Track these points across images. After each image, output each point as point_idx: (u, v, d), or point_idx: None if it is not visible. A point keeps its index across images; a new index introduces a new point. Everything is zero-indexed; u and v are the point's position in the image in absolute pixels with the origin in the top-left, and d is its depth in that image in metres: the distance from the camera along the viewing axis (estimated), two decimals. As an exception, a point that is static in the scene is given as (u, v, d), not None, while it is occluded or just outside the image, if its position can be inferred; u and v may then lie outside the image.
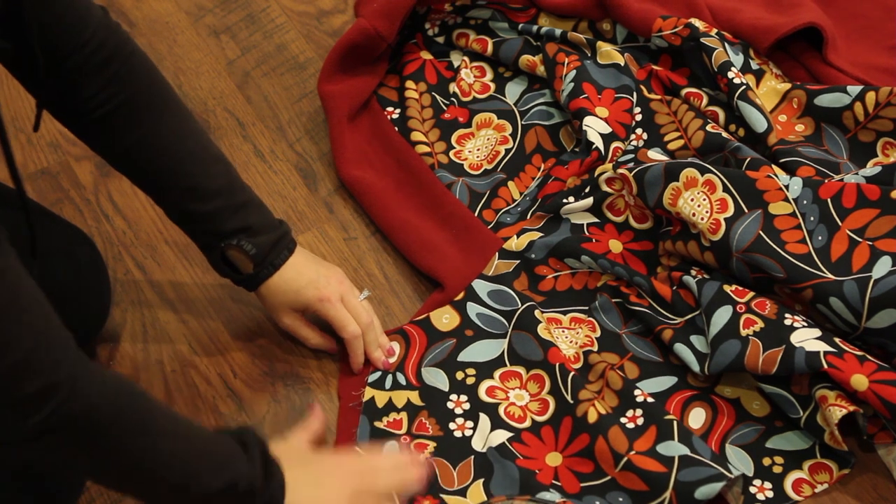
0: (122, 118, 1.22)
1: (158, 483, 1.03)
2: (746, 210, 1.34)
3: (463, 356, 1.36)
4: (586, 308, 1.41)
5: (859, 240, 1.30)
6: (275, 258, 1.29)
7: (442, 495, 1.24)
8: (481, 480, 1.25)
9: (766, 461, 1.27)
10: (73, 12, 1.18)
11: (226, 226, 1.27)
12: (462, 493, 1.24)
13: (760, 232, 1.33)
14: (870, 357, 1.24)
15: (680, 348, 1.33)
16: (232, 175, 1.29)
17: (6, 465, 1.12)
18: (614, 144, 1.49)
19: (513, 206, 1.50)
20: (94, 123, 1.23)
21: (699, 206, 1.36)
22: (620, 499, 1.22)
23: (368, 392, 1.33)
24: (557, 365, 1.31)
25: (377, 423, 1.31)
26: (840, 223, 1.32)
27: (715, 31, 1.54)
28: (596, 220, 1.45)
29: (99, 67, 1.20)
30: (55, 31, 1.16)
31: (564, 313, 1.40)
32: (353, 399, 1.34)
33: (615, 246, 1.44)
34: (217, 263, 1.30)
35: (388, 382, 1.34)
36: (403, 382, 1.34)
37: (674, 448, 1.22)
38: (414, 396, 1.33)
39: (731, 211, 1.34)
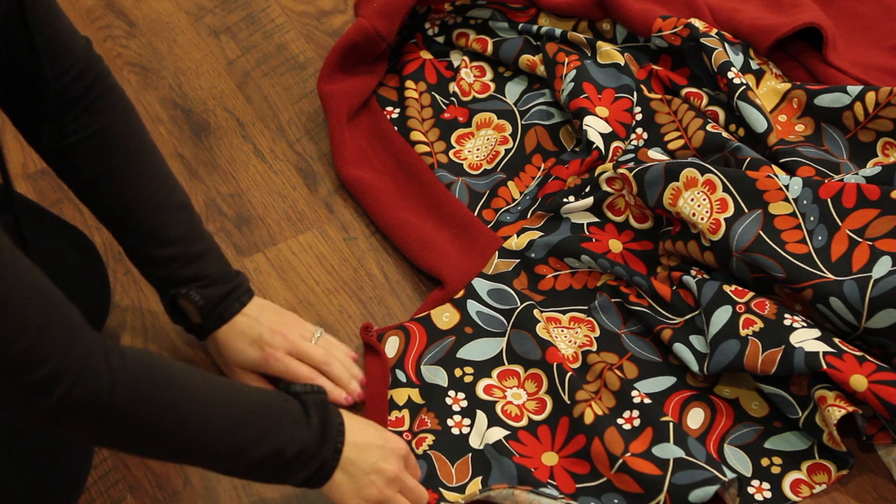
0: (91, 149, 1.22)
1: (203, 453, 1.06)
2: (746, 210, 1.34)
3: (462, 353, 1.36)
4: (586, 308, 1.41)
5: (859, 240, 1.30)
6: (223, 311, 1.28)
7: (441, 489, 1.24)
8: (479, 478, 1.25)
9: (765, 461, 1.27)
10: (59, 38, 1.18)
11: (179, 274, 1.26)
12: (461, 490, 1.25)
13: (760, 232, 1.32)
14: (869, 357, 1.24)
15: (679, 348, 1.33)
16: (194, 224, 1.28)
17: (10, 459, 1.12)
18: (614, 144, 1.49)
19: (513, 205, 1.50)
20: (64, 150, 1.22)
21: (699, 205, 1.36)
22: (616, 500, 1.22)
23: (369, 394, 1.34)
24: (555, 365, 1.31)
25: (379, 425, 1.31)
26: (840, 223, 1.32)
27: (715, 31, 1.54)
28: (596, 219, 1.45)
29: (78, 96, 1.19)
30: (40, 55, 1.15)
31: (564, 313, 1.40)
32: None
33: (615, 246, 1.44)
34: (167, 309, 1.30)
35: (388, 381, 1.34)
36: (403, 379, 1.34)
37: (669, 450, 1.22)
38: (415, 394, 1.33)
39: (731, 211, 1.34)
